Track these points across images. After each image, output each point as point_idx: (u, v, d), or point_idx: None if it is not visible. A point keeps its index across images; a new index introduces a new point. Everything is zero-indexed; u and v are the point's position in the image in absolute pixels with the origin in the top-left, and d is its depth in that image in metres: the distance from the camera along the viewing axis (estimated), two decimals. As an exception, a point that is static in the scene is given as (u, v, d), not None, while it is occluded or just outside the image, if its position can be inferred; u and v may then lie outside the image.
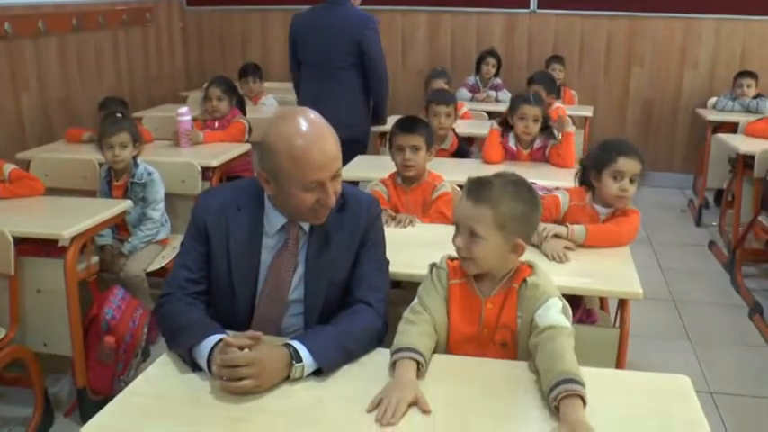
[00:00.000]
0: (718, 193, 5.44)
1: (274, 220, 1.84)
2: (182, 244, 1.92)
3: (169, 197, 3.44)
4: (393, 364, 1.59)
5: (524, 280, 1.71)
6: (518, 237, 1.69)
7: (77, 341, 2.67)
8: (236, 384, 1.53)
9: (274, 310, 1.87)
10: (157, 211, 3.29)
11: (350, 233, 1.87)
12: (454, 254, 1.78)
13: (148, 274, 3.19)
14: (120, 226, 3.29)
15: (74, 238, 2.61)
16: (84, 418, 2.69)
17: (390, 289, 1.95)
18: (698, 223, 5.38)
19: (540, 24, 6.26)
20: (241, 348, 1.56)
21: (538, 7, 6.19)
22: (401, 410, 1.43)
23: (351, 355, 1.67)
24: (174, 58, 6.52)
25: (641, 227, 2.61)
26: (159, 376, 1.65)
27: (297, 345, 1.62)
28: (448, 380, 1.61)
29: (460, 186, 2.99)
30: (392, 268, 2.00)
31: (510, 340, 1.73)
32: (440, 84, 4.99)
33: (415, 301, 1.77)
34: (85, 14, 5.14)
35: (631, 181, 2.46)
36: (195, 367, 1.64)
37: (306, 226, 1.85)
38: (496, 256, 1.70)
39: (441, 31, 6.45)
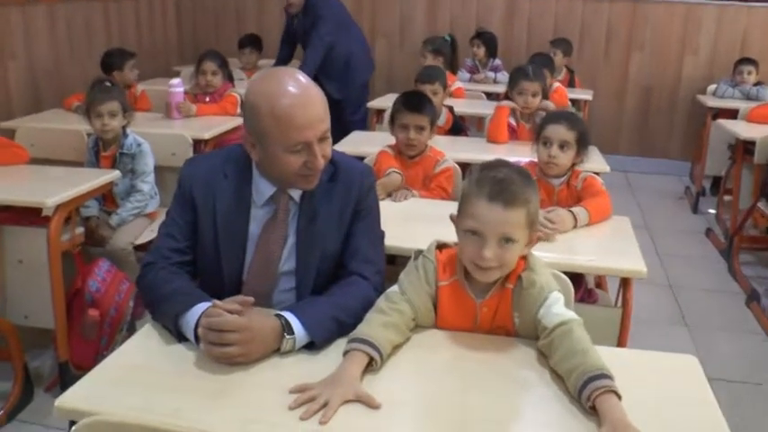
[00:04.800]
0: (716, 181, 5.41)
1: (263, 189, 1.76)
2: (167, 212, 1.83)
3: (159, 169, 3.35)
4: (344, 355, 1.46)
5: (519, 277, 1.57)
6: (536, 230, 1.60)
7: (60, 314, 2.58)
8: (221, 350, 1.45)
9: (264, 283, 1.79)
10: (147, 184, 3.20)
11: (342, 203, 1.78)
12: (443, 239, 1.66)
13: (136, 248, 3.10)
14: (107, 198, 3.21)
15: (58, 207, 2.52)
16: (66, 393, 2.62)
17: (385, 263, 1.88)
18: (695, 210, 5.34)
19: (541, 7, 6.18)
20: (230, 314, 1.49)
21: (539, -11, 6.10)
22: (332, 409, 1.30)
23: (345, 330, 1.57)
24: (167, 32, 6.39)
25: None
26: (142, 347, 1.58)
27: (289, 316, 1.54)
28: (443, 353, 1.55)
29: (461, 165, 2.99)
30: (388, 242, 1.92)
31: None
32: (429, 57, 5.02)
33: (395, 288, 1.62)
34: (77, -17, 5.03)
35: (562, 147, 2.49)
36: (181, 338, 1.57)
37: (296, 196, 1.77)
38: (518, 256, 1.57)
39: (439, 12, 6.36)
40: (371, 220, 1.84)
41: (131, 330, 2.85)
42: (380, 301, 1.59)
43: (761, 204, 3.95)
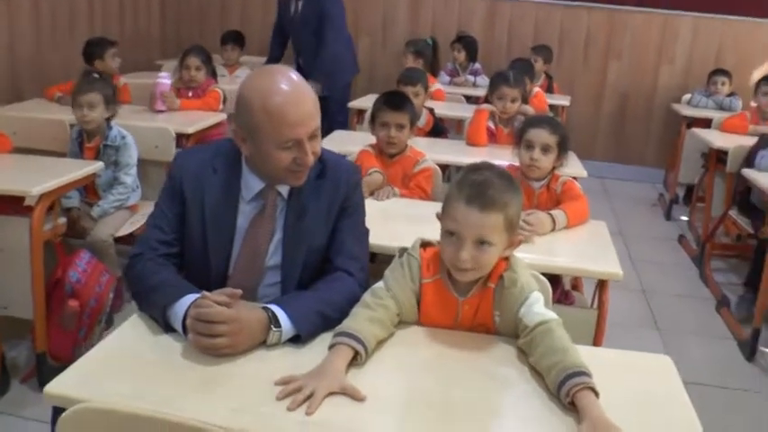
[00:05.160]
0: (689, 190, 5.50)
1: (252, 184, 1.78)
2: (156, 204, 1.85)
3: (141, 162, 3.35)
4: (330, 348, 1.49)
5: (501, 276, 1.61)
6: (516, 233, 1.64)
7: (39, 303, 2.58)
8: (210, 341, 1.47)
9: (250, 278, 1.81)
10: (130, 176, 3.20)
11: (329, 200, 1.81)
12: (427, 237, 1.70)
13: (116, 240, 3.11)
14: (88, 189, 3.21)
15: (42, 197, 2.51)
16: (42, 384, 2.56)
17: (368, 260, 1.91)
18: (668, 217, 5.44)
19: (521, 13, 6.26)
20: (219, 305, 1.51)
21: (520, -6, 6.17)
22: (318, 400, 1.33)
23: (330, 324, 1.59)
24: (151, 25, 6.35)
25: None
26: (130, 337, 1.59)
27: (276, 310, 1.56)
28: (426, 350, 1.58)
29: (441, 166, 3.04)
30: (369, 240, 1.95)
31: None
32: (410, 59, 5.11)
33: (380, 284, 1.65)
34: (62, -30, 5.00)
35: (544, 151, 2.54)
36: (168, 329, 1.58)
37: (284, 192, 1.79)
38: (497, 258, 1.61)
39: (422, 13, 6.40)
40: (357, 218, 1.87)
41: (110, 323, 2.86)
42: (366, 297, 1.62)
43: (732, 212, 4.04)
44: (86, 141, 3.19)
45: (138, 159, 3.30)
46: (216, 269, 1.80)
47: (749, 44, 6.03)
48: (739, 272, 4.26)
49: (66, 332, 2.69)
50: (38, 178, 2.57)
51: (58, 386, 1.37)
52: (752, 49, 6.03)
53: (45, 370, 2.64)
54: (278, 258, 1.81)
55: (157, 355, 1.52)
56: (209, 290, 1.59)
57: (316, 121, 1.70)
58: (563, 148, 2.60)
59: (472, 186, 1.55)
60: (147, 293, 1.67)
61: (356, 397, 1.36)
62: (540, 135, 2.56)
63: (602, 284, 2.17)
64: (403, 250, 1.69)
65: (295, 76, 1.71)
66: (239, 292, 1.55)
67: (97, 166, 2.87)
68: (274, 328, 1.54)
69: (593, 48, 6.23)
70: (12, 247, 2.57)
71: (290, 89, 1.66)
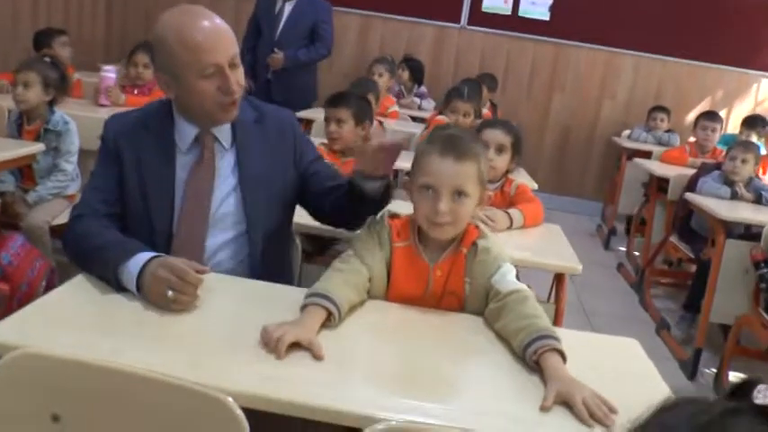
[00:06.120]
0: (627, 222, 5.63)
1: (185, 132, 1.75)
2: (91, 173, 1.80)
3: (81, 153, 3.21)
4: (302, 309, 1.44)
5: (474, 243, 1.59)
6: (486, 189, 1.62)
7: (-33, 285, 2.42)
8: (184, 297, 1.42)
9: (196, 231, 1.74)
10: (70, 164, 3.06)
11: (277, 145, 1.82)
12: (394, 211, 1.67)
13: (51, 230, 2.95)
14: (25, 175, 3.05)
15: (-24, 172, 2.38)
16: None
17: None
18: (606, 247, 5.52)
19: (469, 40, 6.35)
20: None
21: (468, 23, 6.26)
22: (284, 344, 1.28)
23: None
24: (95, 27, 6.19)
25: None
26: (75, 293, 1.49)
27: None
28: (391, 330, 1.53)
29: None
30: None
31: (456, 306, 1.62)
32: (379, 69, 5.28)
33: (349, 251, 1.62)
34: (4, -34, 4.84)
35: (499, 151, 2.57)
36: (119, 288, 1.49)
37: (222, 138, 1.76)
38: (471, 214, 1.59)
39: (370, 36, 6.43)
40: (322, 160, 1.95)
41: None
42: (336, 263, 1.57)
43: (673, 238, 4.12)
44: (26, 124, 3.04)
45: (79, 150, 3.16)
46: (160, 227, 1.73)
47: (687, 85, 6.26)
48: (675, 298, 4.34)
49: (-8, 319, 2.52)
50: (-28, 153, 2.43)
51: (-5, 337, 1.26)
52: (689, 89, 6.27)
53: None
54: (227, 207, 1.76)
55: (107, 310, 1.43)
56: (155, 248, 1.57)
57: (234, 49, 1.69)
58: (517, 149, 2.62)
59: (444, 139, 1.56)
60: (93, 252, 1.57)
61: (317, 354, 1.30)
62: (496, 135, 2.58)
63: (559, 279, 2.17)
64: (372, 220, 1.66)
65: (205, 9, 1.70)
66: (207, 269, 1.50)
67: (37, 147, 2.75)
68: None
69: (538, 80, 6.36)
70: (-60, 224, 2.42)
71: (202, 18, 1.66)
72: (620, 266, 4.98)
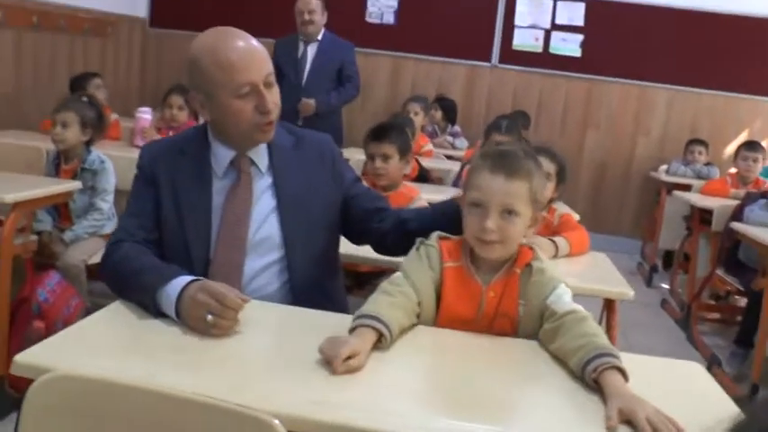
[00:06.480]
0: (666, 258, 5.49)
1: (221, 156, 1.72)
2: (128, 201, 1.77)
3: (117, 193, 3.21)
4: (351, 332, 1.38)
5: (528, 264, 1.54)
6: (539, 210, 1.57)
7: (2, 322, 2.40)
8: (218, 320, 1.36)
9: (233, 256, 1.69)
10: (107, 203, 3.06)
11: (314, 165, 1.78)
12: (444, 234, 1.61)
13: (87, 269, 2.93)
14: (62, 215, 3.06)
15: (15, 206, 2.37)
16: (-1, 415, 2.39)
17: None
18: (649, 284, 5.38)
19: (500, 78, 6.32)
20: None
21: (499, 62, 6.26)
22: (340, 359, 1.24)
23: None
24: (131, 76, 6.32)
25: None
26: (112, 319, 1.45)
27: None
28: (443, 352, 1.46)
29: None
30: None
31: (510, 330, 1.54)
32: (414, 108, 5.21)
33: (398, 274, 1.55)
34: (47, 14, 4.97)
35: (546, 180, 2.49)
36: (157, 313, 1.45)
37: (259, 162, 1.72)
38: (522, 234, 1.54)
39: (402, 77, 6.45)
40: (361, 184, 1.91)
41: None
42: (384, 284, 1.51)
43: (719, 271, 3.99)
44: (63, 164, 3.06)
45: (114, 189, 3.16)
46: (196, 253, 1.69)
47: (723, 117, 6.15)
48: (723, 333, 4.19)
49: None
50: (11, 189, 2.42)
51: (29, 357, 1.22)
52: (725, 121, 6.15)
53: (1, 399, 2.41)
54: (265, 232, 1.72)
55: (145, 335, 1.38)
56: (193, 274, 1.52)
57: (268, 67, 1.67)
58: (561, 178, 2.55)
59: (497, 155, 1.52)
60: (131, 277, 1.53)
61: (358, 364, 1.26)
62: (541, 162, 2.50)
63: (609, 306, 2.09)
64: (421, 242, 1.60)
65: (239, 30, 1.69)
66: (248, 298, 1.44)
67: (74, 184, 2.76)
68: None
69: (571, 116, 6.30)
70: (-22, 261, 2.41)
71: (236, 38, 1.65)
72: (664, 303, 4.84)
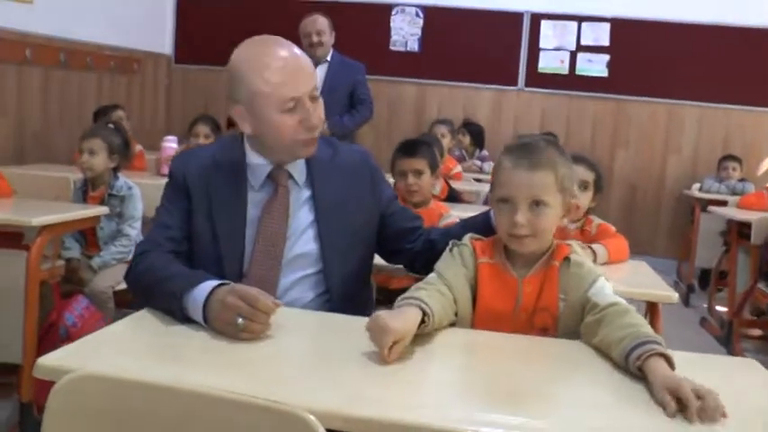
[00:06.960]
0: (702, 278, 5.36)
1: (258, 168, 1.66)
2: (157, 209, 1.71)
3: (144, 220, 3.20)
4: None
5: (566, 258, 1.49)
6: (570, 197, 1.52)
7: (30, 347, 2.36)
8: (248, 323, 1.30)
9: (269, 269, 1.63)
10: (134, 229, 3.05)
11: (352, 178, 1.72)
12: (477, 235, 1.58)
13: (115, 295, 2.91)
14: (89, 242, 3.05)
15: (41, 231, 2.35)
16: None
17: None
18: (686, 304, 5.24)
19: (527, 102, 6.29)
20: None
21: (525, 85, 6.23)
22: (386, 345, 1.21)
23: None
24: (157, 112, 6.39)
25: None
26: (138, 325, 1.40)
27: None
28: (480, 350, 1.40)
29: None
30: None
31: (551, 325, 1.49)
32: (441, 130, 5.24)
33: (431, 275, 1.52)
34: (74, 52, 5.06)
35: (583, 188, 2.45)
36: (184, 319, 1.40)
37: (296, 175, 1.67)
38: (555, 225, 1.50)
39: (427, 104, 6.44)
40: (398, 202, 1.85)
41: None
42: (419, 284, 1.47)
43: (761, 284, 3.87)
44: (90, 191, 3.06)
45: (141, 216, 3.15)
46: (230, 268, 1.62)
47: (754, 133, 6.04)
48: (766, 349, 4.05)
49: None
50: (39, 214, 2.41)
51: (53, 359, 1.19)
52: (757, 137, 6.04)
53: (29, 424, 2.37)
54: (303, 247, 1.66)
55: (170, 339, 1.34)
56: None
57: (314, 81, 1.62)
58: (598, 187, 2.50)
59: (518, 148, 1.50)
60: (157, 285, 1.48)
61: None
62: (578, 171, 2.42)
63: (653, 310, 2.02)
64: (454, 243, 1.56)
65: (283, 40, 1.63)
66: (280, 303, 1.38)
67: (100, 209, 2.74)
68: None
69: (600, 137, 6.23)
70: (7, 285, 2.39)
71: (281, 48, 1.59)
72: (703, 321, 4.70)
